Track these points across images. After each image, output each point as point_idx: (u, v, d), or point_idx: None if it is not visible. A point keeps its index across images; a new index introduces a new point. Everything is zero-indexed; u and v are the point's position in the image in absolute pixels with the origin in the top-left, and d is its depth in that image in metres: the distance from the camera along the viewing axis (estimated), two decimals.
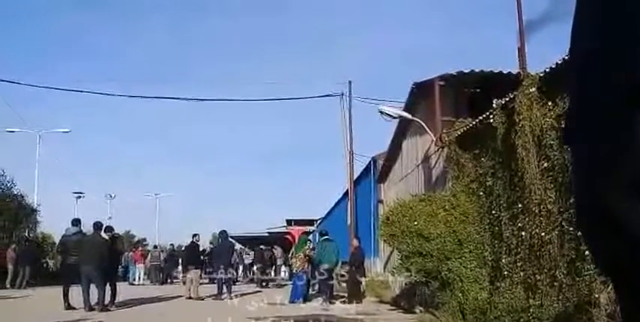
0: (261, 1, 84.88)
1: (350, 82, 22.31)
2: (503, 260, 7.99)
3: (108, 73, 76.44)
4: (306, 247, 15.00)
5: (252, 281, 23.49)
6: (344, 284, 15.84)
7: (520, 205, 7.38)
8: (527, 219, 7.21)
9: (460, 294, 8.75)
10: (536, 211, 6.90)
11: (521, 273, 7.41)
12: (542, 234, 6.79)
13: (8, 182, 23.50)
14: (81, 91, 22.65)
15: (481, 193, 8.86)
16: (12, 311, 12.88)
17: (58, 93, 23.29)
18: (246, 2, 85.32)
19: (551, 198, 6.67)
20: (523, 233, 7.31)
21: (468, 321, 8.39)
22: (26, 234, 23.86)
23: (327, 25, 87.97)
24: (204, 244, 19.94)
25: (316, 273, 14.46)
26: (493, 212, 8.39)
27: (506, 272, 7.89)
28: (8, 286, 19.18)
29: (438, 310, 9.24)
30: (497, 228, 8.26)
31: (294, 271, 15.16)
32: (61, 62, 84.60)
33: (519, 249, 7.48)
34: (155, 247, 27.62)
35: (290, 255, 17.41)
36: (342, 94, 22.15)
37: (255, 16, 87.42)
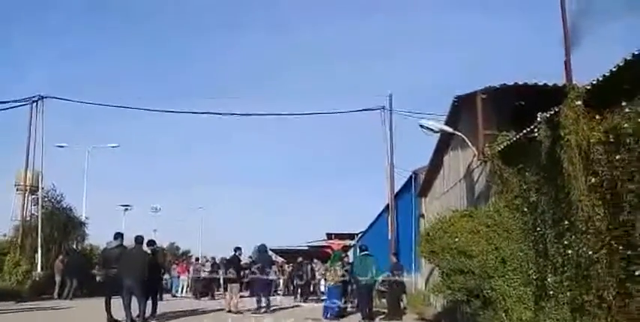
0: (301, 15, 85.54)
1: (391, 96, 22.21)
2: (549, 280, 7.69)
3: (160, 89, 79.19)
4: (339, 263, 14.77)
5: (291, 294, 23.43)
6: (384, 300, 15.58)
7: (566, 222, 7.10)
8: (573, 236, 6.93)
9: (503, 314, 8.46)
10: (584, 229, 6.62)
11: (568, 293, 7.11)
12: (590, 252, 6.50)
13: (58, 195, 24.24)
14: (126, 107, 23.69)
15: (525, 209, 8.58)
16: (57, 321, 13.21)
17: (108, 109, 24.30)
18: (287, 16, 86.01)
19: (600, 215, 6.40)
20: (569, 251, 7.02)
21: None
22: (74, 246, 24.43)
23: (369, 38, 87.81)
24: (245, 258, 19.92)
25: (352, 288, 14.21)
26: (538, 229, 8.11)
27: (551, 292, 7.58)
28: (56, 297, 19.63)
29: None
30: (542, 246, 7.97)
31: (328, 285, 15.01)
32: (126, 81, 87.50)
33: (566, 268, 7.19)
34: (197, 259, 27.85)
35: (325, 269, 17.26)
36: (383, 108, 22.05)
37: (291, 31, 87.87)
